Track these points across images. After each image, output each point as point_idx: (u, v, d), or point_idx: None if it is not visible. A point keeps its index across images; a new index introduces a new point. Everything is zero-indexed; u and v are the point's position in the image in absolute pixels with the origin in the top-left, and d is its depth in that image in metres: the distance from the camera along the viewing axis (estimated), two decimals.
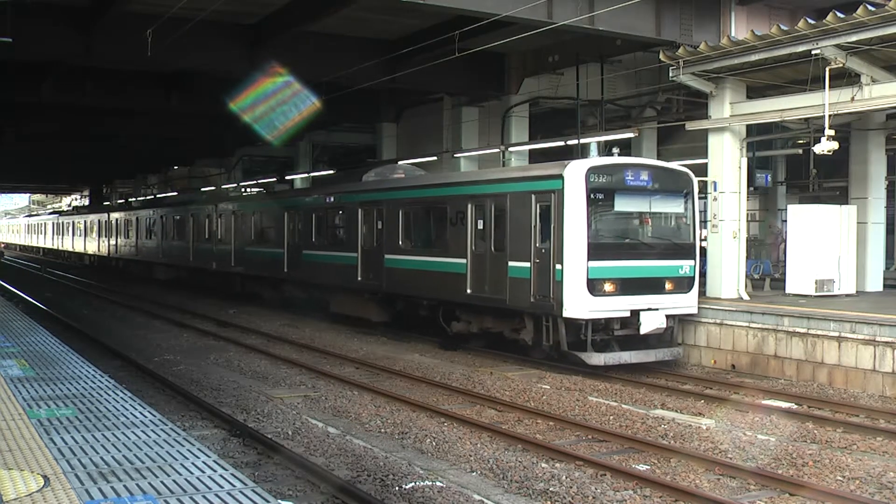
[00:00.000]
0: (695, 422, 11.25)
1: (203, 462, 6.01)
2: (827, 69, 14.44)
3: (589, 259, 13.93)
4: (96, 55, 18.83)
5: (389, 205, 18.90)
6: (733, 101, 17.08)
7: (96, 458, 6.05)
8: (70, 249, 55.06)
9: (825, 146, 14.68)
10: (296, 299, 23.61)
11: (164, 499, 5.21)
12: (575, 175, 14.06)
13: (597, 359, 14.01)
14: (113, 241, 43.32)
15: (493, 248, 15.64)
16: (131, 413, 7.55)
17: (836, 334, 13.49)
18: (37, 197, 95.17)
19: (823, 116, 14.65)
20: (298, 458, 9.14)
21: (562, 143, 22.05)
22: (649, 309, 14.40)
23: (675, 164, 15.98)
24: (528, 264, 14.67)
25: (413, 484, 8.47)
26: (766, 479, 8.71)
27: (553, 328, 14.39)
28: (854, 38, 13.99)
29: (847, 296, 17.25)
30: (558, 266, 14.02)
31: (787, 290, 17.43)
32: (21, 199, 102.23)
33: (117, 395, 8.38)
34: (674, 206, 15.33)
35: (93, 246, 48.30)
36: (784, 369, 14.21)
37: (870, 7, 13.53)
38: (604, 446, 10.24)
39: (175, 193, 43.09)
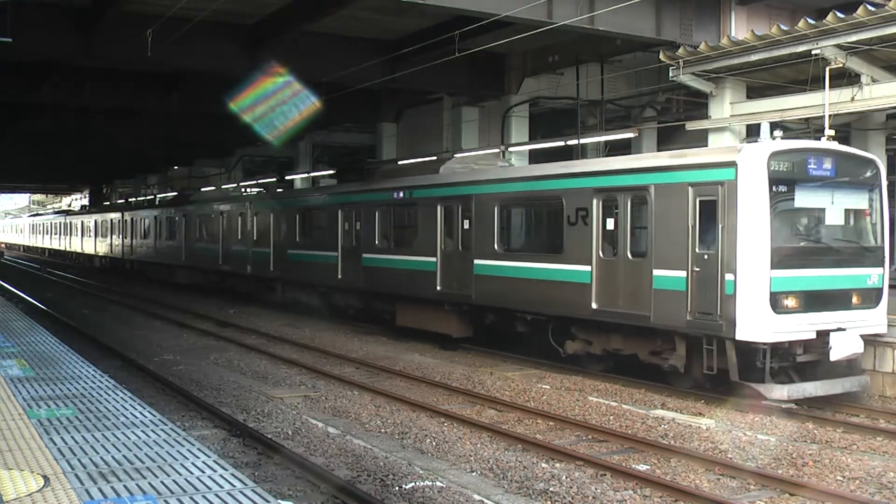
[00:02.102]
0: (695, 422, 11.25)
1: (203, 462, 6.02)
2: (827, 69, 14.44)
3: (772, 268, 11.46)
4: (96, 55, 18.83)
5: (481, 200, 16.24)
6: (733, 101, 17.06)
7: (96, 458, 6.06)
8: (79, 251, 52.90)
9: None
10: (350, 309, 21.38)
11: (164, 499, 5.21)
12: (753, 162, 11.54)
13: (779, 392, 11.51)
14: (128, 242, 40.92)
15: (629, 254, 13.15)
16: (131, 413, 7.56)
17: None
18: (37, 197, 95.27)
19: (823, 116, 14.63)
20: (298, 458, 9.14)
21: (562, 143, 22.05)
22: (839, 329, 11.82)
23: (859, 150, 13.82)
24: (682, 274, 12.14)
25: (413, 484, 8.47)
26: (766, 479, 8.71)
27: (718, 352, 11.85)
28: (854, 38, 13.99)
29: None
30: (729, 276, 11.52)
31: None
32: (21, 199, 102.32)
33: (117, 395, 8.38)
34: (859, 201, 12.84)
35: (104, 247, 45.99)
36: None
37: (870, 7, 13.53)
38: (604, 446, 10.25)
39: (204, 189, 40.07)
